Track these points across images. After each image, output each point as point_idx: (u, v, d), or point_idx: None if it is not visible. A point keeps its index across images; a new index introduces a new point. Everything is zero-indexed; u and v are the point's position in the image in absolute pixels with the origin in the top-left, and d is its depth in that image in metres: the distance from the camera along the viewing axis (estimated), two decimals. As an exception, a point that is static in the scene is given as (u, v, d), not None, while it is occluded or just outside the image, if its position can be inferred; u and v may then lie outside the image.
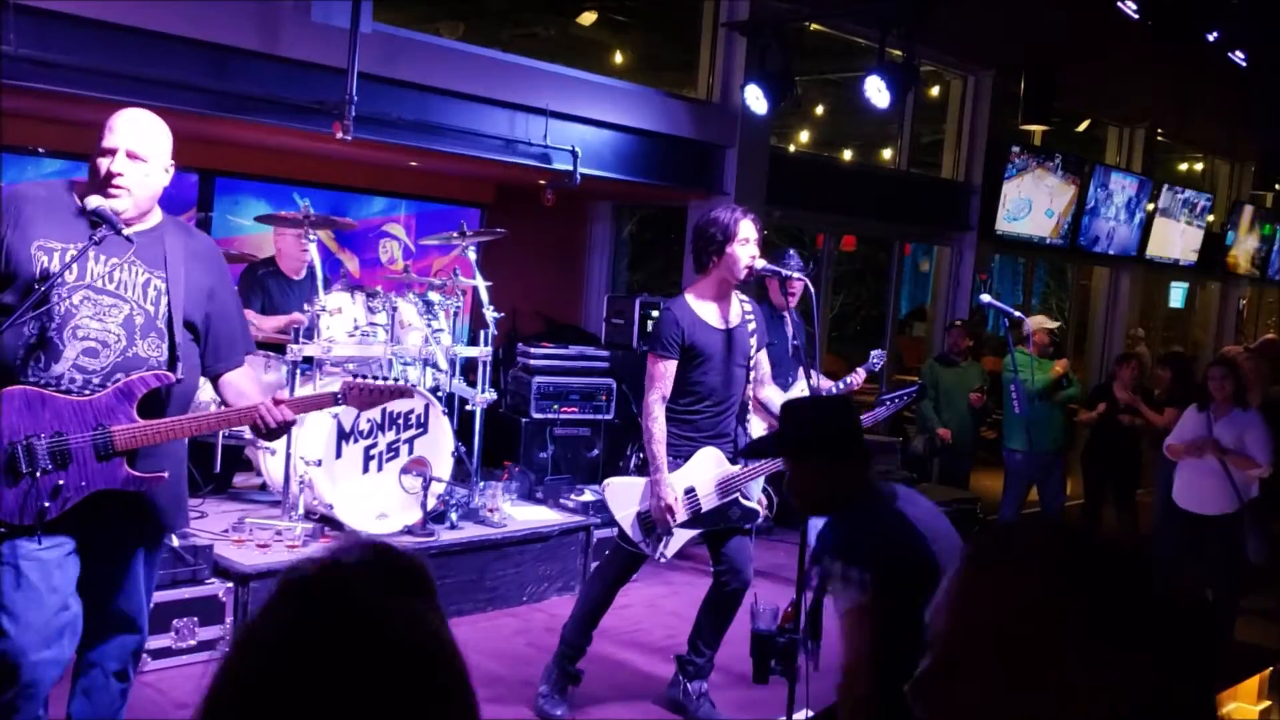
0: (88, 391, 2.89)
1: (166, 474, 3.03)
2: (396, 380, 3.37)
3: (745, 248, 4.21)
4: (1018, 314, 5.97)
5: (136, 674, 3.25)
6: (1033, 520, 1.30)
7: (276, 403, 3.07)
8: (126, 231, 2.94)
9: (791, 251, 5.99)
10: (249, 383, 3.27)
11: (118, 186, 2.94)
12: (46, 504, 2.83)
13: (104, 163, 2.94)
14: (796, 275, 4.30)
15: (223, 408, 3.23)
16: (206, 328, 3.13)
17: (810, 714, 3.29)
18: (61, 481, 2.84)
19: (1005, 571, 1.15)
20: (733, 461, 4.32)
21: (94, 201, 2.91)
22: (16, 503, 2.81)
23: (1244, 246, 14.76)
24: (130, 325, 2.96)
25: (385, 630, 0.98)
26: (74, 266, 2.89)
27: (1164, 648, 1.10)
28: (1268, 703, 4.15)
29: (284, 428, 3.10)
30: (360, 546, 1.06)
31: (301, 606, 0.99)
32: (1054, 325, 7.96)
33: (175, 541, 4.73)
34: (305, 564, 1.04)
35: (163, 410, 3.00)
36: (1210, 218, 13.76)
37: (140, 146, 2.98)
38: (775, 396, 4.49)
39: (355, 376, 3.36)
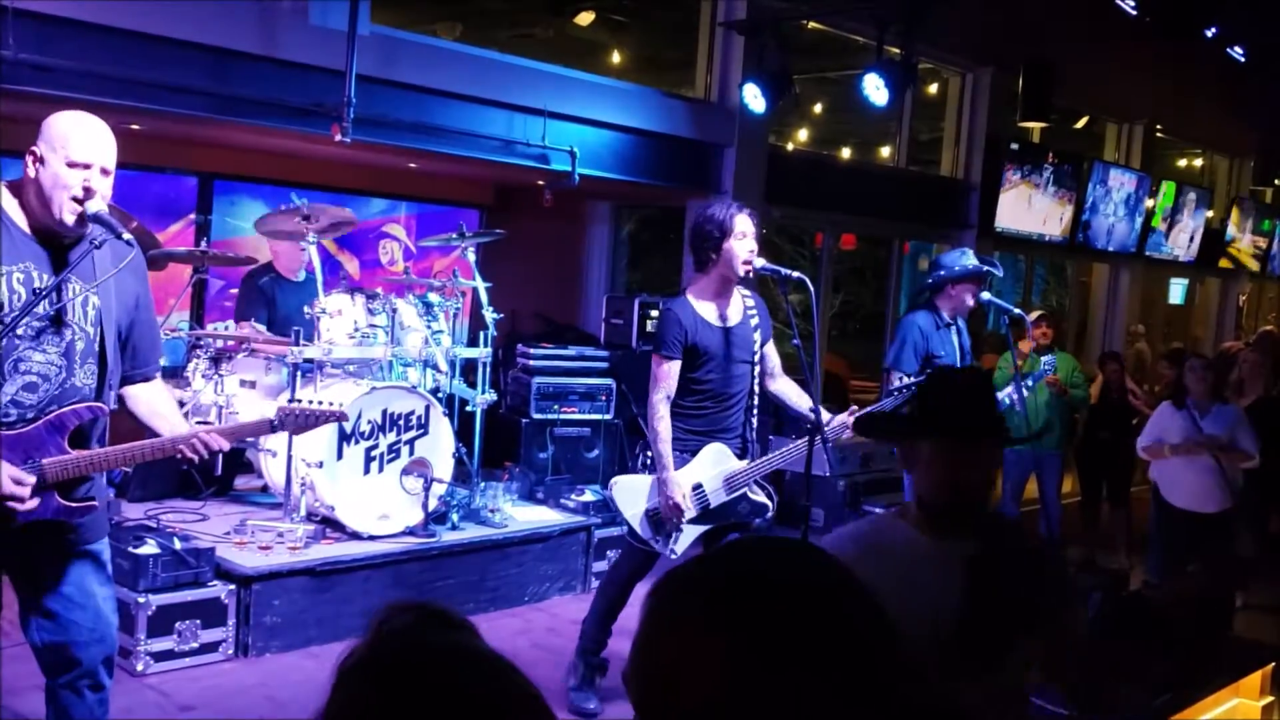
0: (20, 425, 2.84)
1: (97, 502, 2.99)
2: (327, 405, 3.34)
3: (743, 243, 4.21)
4: (1017, 311, 5.97)
5: (113, 679, 3.19)
6: (713, 562, 1.13)
7: (209, 431, 3.04)
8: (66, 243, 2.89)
9: (965, 251, 5.65)
10: (162, 400, 3.19)
11: (90, 203, 2.85)
12: None
13: (76, 177, 2.83)
14: (796, 275, 4.28)
15: (140, 422, 3.14)
16: (129, 335, 3.06)
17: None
18: None
19: (684, 631, 1.03)
20: (740, 457, 4.34)
21: (94, 206, 2.85)
22: None
23: (1243, 242, 14.78)
24: (71, 353, 2.90)
25: (463, 673, 1.01)
26: (23, 291, 2.82)
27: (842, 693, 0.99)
28: (1270, 699, 4.16)
29: (215, 455, 3.07)
30: (400, 608, 1.08)
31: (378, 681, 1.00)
32: (1030, 315, 7.86)
33: (178, 545, 4.74)
34: (361, 646, 1.04)
35: (89, 433, 2.97)
36: (1209, 213, 13.76)
37: (110, 160, 2.91)
38: (788, 389, 4.49)
39: (294, 401, 3.37)
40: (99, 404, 2.96)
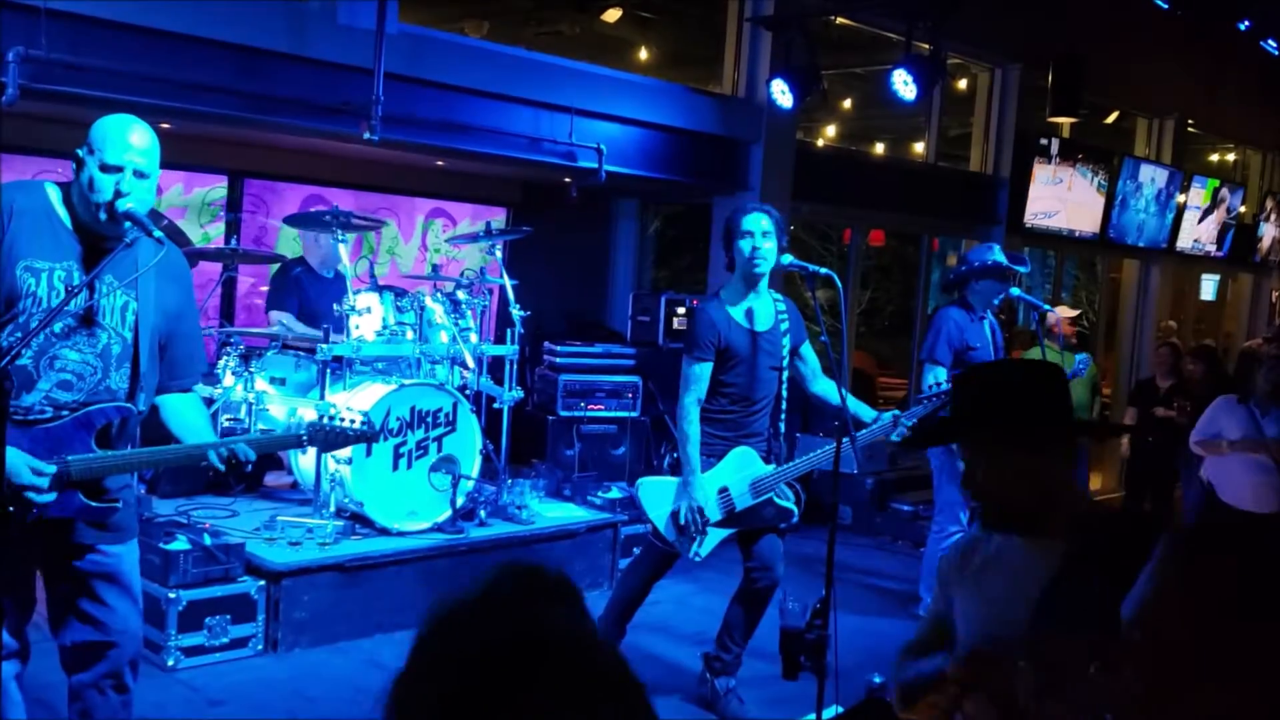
0: (54, 421, 2.86)
1: (120, 503, 2.98)
2: (359, 423, 3.29)
3: (746, 241, 4.23)
4: (1046, 307, 5.94)
5: (136, 679, 3.17)
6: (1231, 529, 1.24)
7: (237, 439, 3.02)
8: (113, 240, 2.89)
9: (993, 246, 5.71)
10: (195, 413, 3.17)
11: (120, 200, 2.85)
12: None
13: (109, 179, 2.84)
14: (823, 271, 4.26)
15: (170, 433, 3.12)
16: (166, 346, 3.06)
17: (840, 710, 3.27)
18: (13, 509, 2.78)
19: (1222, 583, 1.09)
20: (765, 461, 4.33)
21: (124, 204, 2.85)
22: None
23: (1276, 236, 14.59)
24: (108, 356, 2.93)
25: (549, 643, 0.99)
26: (61, 290, 2.83)
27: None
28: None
29: (242, 466, 3.03)
30: (512, 572, 1.07)
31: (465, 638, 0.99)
32: (1074, 313, 7.89)
33: (208, 541, 4.78)
34: (461, 596, 1.03)
35: (117, 433, 2.97)
36: (1242, 208, 13.60)
37: (147, 164, 2.91)
38: (829, 391, 4.47)
39: (326, 418, 3.30)
40: (128, 405, 2.97)
